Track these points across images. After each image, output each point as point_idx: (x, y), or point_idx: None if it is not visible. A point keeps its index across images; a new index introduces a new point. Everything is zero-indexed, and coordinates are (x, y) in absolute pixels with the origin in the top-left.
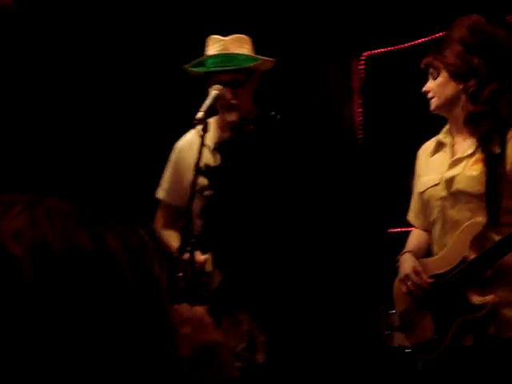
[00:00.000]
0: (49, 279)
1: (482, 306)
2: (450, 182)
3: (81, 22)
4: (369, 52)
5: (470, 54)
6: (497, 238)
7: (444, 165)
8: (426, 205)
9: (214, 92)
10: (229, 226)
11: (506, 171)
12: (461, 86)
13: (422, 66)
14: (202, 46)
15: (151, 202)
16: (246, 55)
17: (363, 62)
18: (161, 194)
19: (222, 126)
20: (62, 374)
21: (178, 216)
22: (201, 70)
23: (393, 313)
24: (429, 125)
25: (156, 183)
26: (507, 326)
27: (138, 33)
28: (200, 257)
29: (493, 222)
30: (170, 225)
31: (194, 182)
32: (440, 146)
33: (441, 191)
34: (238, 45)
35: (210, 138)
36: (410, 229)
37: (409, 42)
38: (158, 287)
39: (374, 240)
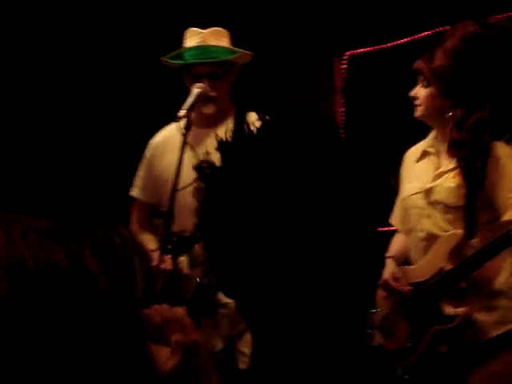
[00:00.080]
0: (24, 297)
1: (454, 317)
2: (429, 192)
3: (54, 14)
4: (351, 51)
5: (459, 70)
6: (472, 250)
7: (427, 174)
8: (406, 211)
9: (196, 90)
10: (225, 222)
11: (485, 186)
12: (447, 104)
13: (413, 69)
14: (179, 39)
15: (126, 200)
16: (225, 47)
17: (345, 62)
18: (135, 191)
19: (199, 119)
20: None
21: (154, 214)
22: (179, 62)
23: (374, 312)
24: (411, 125)
25: (131, 181)
26: (482, 330)
27: (115, 25)
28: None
29: (469, 235)
30: (145, 224)
31: (176, 181)
32: (425, 153)
33: (420, 200)
34: (217, 38)
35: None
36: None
37: (391, 41)
38: (134, 302)
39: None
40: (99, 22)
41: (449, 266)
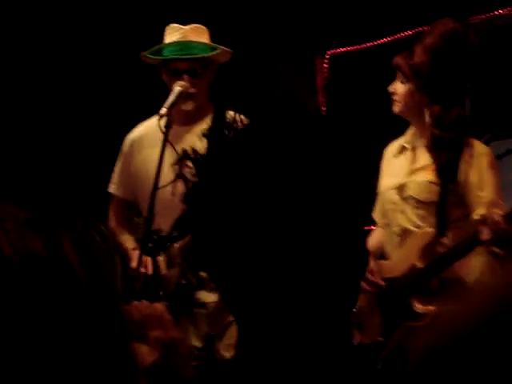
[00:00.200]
0: (2, 286)
1: (424, 314)
2: (402, 187)
3: (35, 10)
4: (333, 51)
5: (437, 67)
6: (443, 248)
7: (403, 170)
8: (383, 206)
9: (177, 88)
10: (212, 213)
11: (457, 183)
12: (425, 100)
13: (392, 64)
14: (159, 36)
15: (105, 197)
16: (205, 44)
17: (327, 61)
18: (112, 188)
19: (177, 116)
20: (13, 379)
21: (131, 211)
22: (159, 57)
23: (355, 310)
24: (392, 124)
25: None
26: None
27: (95, 21)
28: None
29: (440, 231)
30: (122, 221)
31: (157, 179)
32: (403, 149)
33: (395, 195)
34: (197, 34)
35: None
36: None
37: (373, 41)
38: (112, 292)
39: (349, 237)
40: (80, 17)
41: (420, 264)
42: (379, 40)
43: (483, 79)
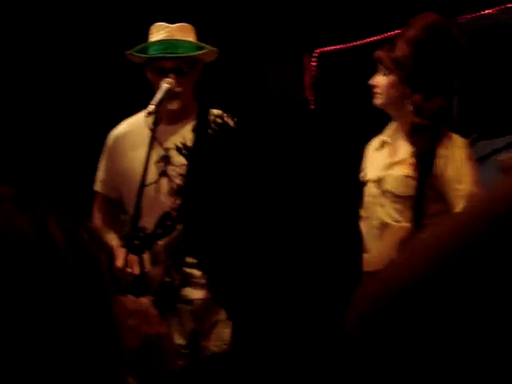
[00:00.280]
0: None
1: None
2: (380, 181)
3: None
4: (321, 49)
5: (419, 59)
6: None
7: (382, 163)
8: (364, 199)
9: (164, 85)
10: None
11: (434, 177)
12: (407, 92)
13: (374, 58)
14: (144, 34)
15: (89, 195)
16: (191, 42)
17: (315, 59)
18: (97, 185)
19: (162, 115)
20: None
21: (115, 209)
22: (145, 56)
23: None
24: (380, 122)
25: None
26: None
27: (80, 19)
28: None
29: (417, 225)
30: (107, 219)
31: (144, 176)
32: (383, 143)
33: (374, 189)
34: (183, 33)
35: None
36: None
37: (361, 39)
38: (99, 273)
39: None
40: (66, 15)
41: None
42: (367, 38)
43: (470, 79)
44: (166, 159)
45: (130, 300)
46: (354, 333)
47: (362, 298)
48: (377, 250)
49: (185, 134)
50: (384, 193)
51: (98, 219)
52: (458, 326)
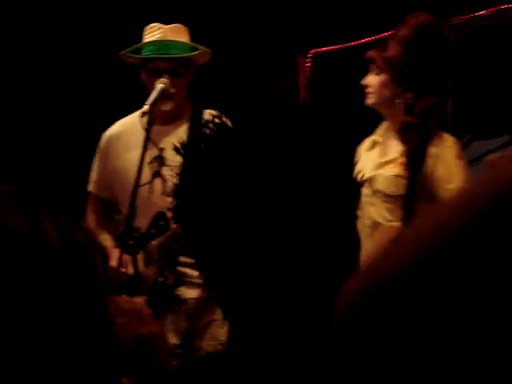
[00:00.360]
0: None
1: None
2: (371, 181)
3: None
4: (315, 50)
5: (411, 58)
6: None
7: (373, 163)
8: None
9: (159, 86)
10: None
11: (425, 176)
12: (399, 91)
13: (366, 58)
14: (138, 35)
15: (82, 195)
16: (185, 43)
17: (310, 60)
18: (90, 186)
19: (156, 115)
20: None
21: (110, 209)
22: (139, 56)
23: None
24: (374, 123)
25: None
26: None
27: (74, 22)
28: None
29: (408, 224)
30: (101, 220)
31: (138, 177)
32: (375, 143)
33: (366, 189)
34: (177, 34)
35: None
36: None
37: (356, 40)
38: (93, 272)
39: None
40: (60, 16)
41: None
42: (361, 39)
43: (465, 80)
44: (159, 159)
45: (123, 300)
46: (342, 326)
47: (349, 291)
48: (368, 250)
49: (179, 135)
50: (375, 192)
51: (91, 220)
52: (446, 318)
